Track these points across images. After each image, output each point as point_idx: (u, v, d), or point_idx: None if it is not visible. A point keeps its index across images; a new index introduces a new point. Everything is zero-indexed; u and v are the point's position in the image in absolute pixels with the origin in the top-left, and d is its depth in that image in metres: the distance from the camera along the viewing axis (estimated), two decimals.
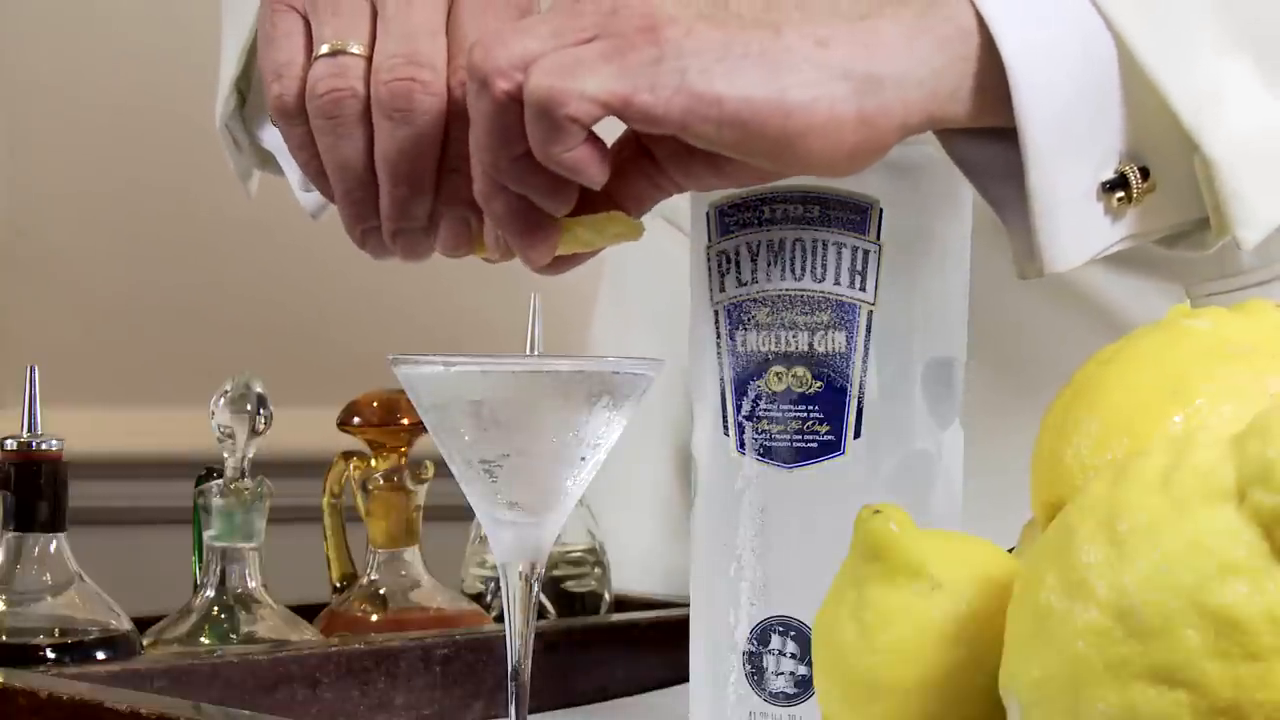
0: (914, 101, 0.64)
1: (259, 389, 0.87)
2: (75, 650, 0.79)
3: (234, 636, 0.85)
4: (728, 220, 0.71)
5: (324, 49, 0.71)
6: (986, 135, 0.67)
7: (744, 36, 0.62)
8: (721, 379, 0.72)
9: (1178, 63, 0.66)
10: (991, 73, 0.64)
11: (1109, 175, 0.67)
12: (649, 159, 0.67)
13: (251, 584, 0.86)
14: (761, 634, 0.70)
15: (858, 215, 0.69)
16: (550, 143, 0.63)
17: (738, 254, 0.71)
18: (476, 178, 0.66)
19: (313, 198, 0.84)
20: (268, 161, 0.87)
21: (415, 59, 0.69)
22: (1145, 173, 0.67)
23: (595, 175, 0.64)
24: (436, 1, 0.71)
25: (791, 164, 0.64)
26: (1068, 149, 0.66)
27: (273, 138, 0.83)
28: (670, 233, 1.03)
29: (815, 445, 0.70)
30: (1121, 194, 0.67)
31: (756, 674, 0.71)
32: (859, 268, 0.69)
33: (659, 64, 0.61)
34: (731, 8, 0.63)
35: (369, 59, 0.70)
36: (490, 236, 0.70)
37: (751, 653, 0.71)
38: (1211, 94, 0.66)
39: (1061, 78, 0.65)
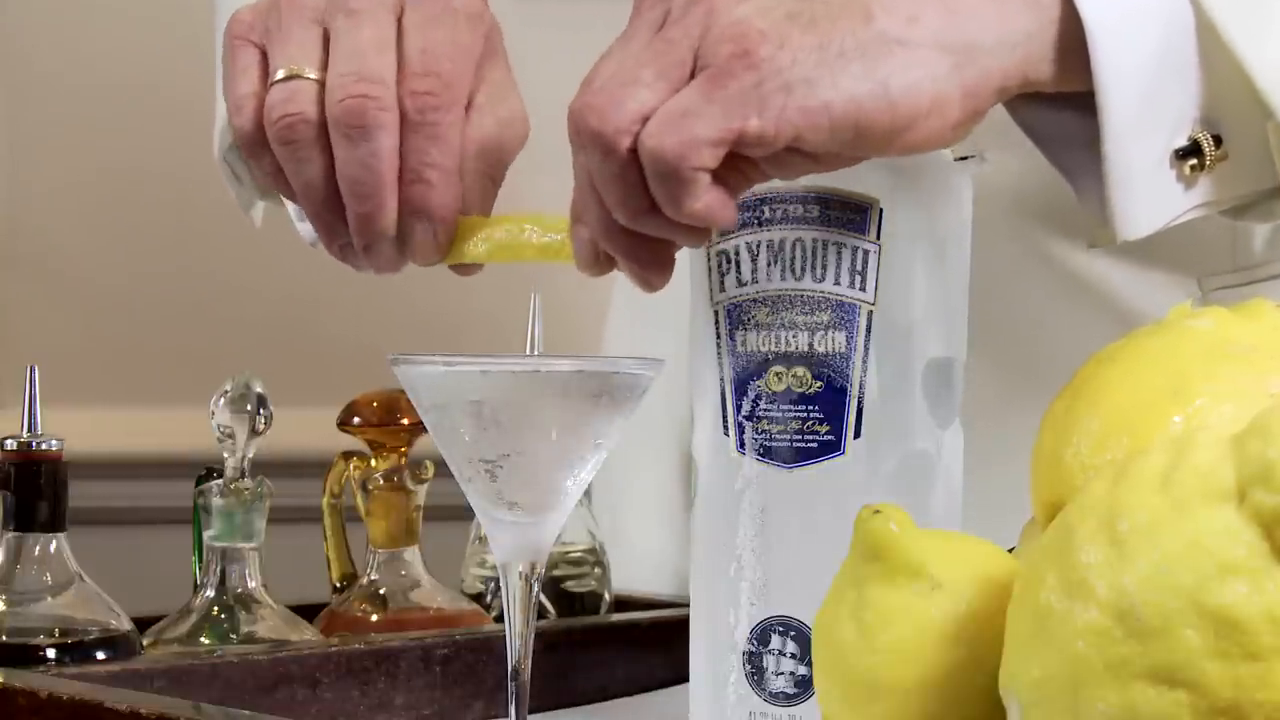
0: (1010, 65, 0.64)
1: (259, 389, 0.87)
2: (75, 650, 0.79)
3: (234, 636, 0.85)
4: None
5: (278, 75, 0.72)
6: (1056, 101, 0.67)
7: (836, 33, 0.62)
8: (721, 379, 0.72)
9: (1256, 30, 0.66)
10: (1073, 37, 0.64)
11: (1182, 142, 0.67)
12: (743, 157, 0.67)
13: (251, 584, 0.86)
14: (761, 634, 0.70)
15: (858, 215, 0.69)
16: (681, 198, 0.62)
17: (738, 254, 0.71)
18: (603, 228, 0.66)
19: (308, 228, 0.84)
20: (268, 192, 0.87)
21: (365, 76, 0.70)
22: (1218, 141, 0.67)
23: (728, 219, 0.64)
24: (384, 17, 0.72)
25: (901, 149, 0.64)
26: (1144, 116, 0.66)
27: None
28: None
29: (815, 445, 0.70)
30: (1194, 161, 0.67)
31: (756, 674, 0.71)
32: (859, 268, 0.69)
33: (761, 88, 0.61)
34: None
35: (322, 82, 0.71)
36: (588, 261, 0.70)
37: (751, 653, 0.71)
38: None
39: (1141, 44, 0.65)
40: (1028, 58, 0.64)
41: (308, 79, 0.71)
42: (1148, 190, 0.67)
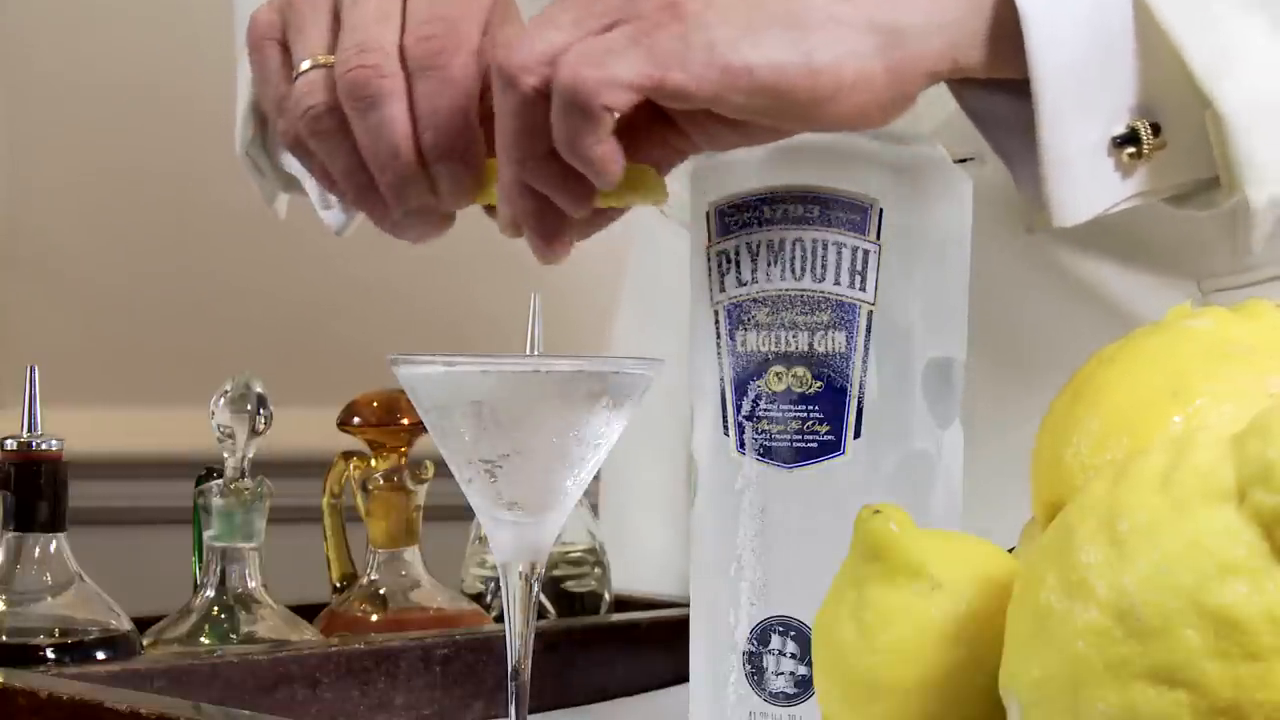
0: (937, 49, 0.64)
1: (259, 389, 0.87)
2: (75, 650, 0.79)
3: (234, 636, 0.85)
4: (728, 220, 0.71)
5: (301, 68, 0.71)
6: (998, 87, 0.67)
7: (767, 1, 0.62)
8: (721, 379, 0.72)
9: (1194, 18, 0.66)
10: (1008, 23, 0.65)
11: (1120, 130, 0.67)
12: (667, 123, 0.67)
13: (251, 584, 0.86)
14: (761, 634, 0.70)
15: (858, 215, 0.69)
16: (582, 134, 0.63)
17: (738, 254, 0.71)
18: (502, 173, 0.66)
19: (333, 215, 0.84)
20: (292, 184, 0.87)
21: (365, 46, 0.69)
22: (1156, 129, 0.67)
23: (615, 174, 0.64)
24: None
25: (823, 123, 0.64)
26: (1080, 103, 0.66)
27: (292, 161, 0.83)
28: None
29: (815, 445, 0.70)
30: (1132, 149, 0.67)
31: (756, 674, 0.71)
32: (859, 268, 0.69)
33: (685, 40, 0.62)
34: None
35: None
36: (506, 221, 0.70)
37: (751, 653, 0.71)
38: (1226, 51, 0.66)
39: (1076, 30, 0.65)
40: (957, 43, 0.65)
41: (321, 66, 0.71)
42: (1084, 177, 0.67)
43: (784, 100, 0.63)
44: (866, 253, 0.69)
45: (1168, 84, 0.67)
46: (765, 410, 0.70)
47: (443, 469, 0.75)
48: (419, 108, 0.70)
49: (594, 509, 1.05)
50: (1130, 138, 0.67)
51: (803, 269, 0.70)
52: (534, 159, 0.65)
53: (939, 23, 0.64)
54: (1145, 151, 0.67)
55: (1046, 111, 0.65)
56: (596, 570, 0.99)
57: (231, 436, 0.86)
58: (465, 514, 0.78)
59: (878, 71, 0.63)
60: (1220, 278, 0.92)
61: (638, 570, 1.06)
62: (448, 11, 0.71)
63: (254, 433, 0.86)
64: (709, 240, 0.72)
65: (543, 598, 0.96)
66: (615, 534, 1.06)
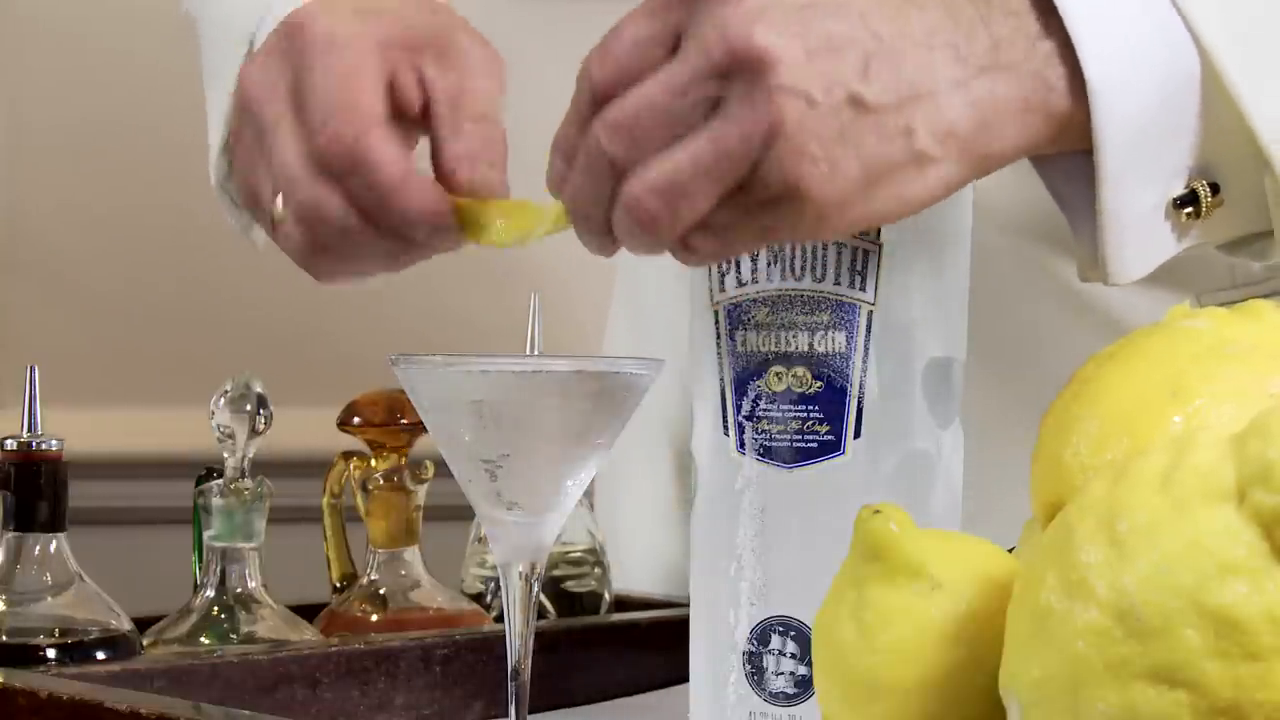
0: (1010, 161, 0.65)
1: (259, 389, 0.87)
2: (75, 650, 0.79)
3: (234, 636, 0.85)
4: None
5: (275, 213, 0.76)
6: None
7: (879, 155, 0.62)
8: (721, 379, 0.72)
9: (1261, 81, 0.66)
10: (1079, 108, 0.65)
11: (1179, 191, 0.67)
12: None
13: (251, 584, 0.86)
14: (761, 634, 0.70)
15: None
16: (640, 249, 0.64)
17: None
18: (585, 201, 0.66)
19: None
20: None
21: (290, 188, 0.74)
22: (1215, 188, 0.67)
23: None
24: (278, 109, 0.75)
25: None
26: (1142, 169, 0.66)
27: None
28: None
29: (815, 445, 0.70)
30: (1190, 209, 0.67)
31: (756, 674, 0.71)
32: (859, 268, 0.69)
33: (800, 215, 0.62)
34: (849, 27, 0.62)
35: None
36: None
37: (751, 653, 0.71)
38: None
39: (1145, 103, 0.65)
40: (1035, 148, 0.65)
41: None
42: (1141, 237, 0.67)
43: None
44: (866, 253, 0.69)
45: (1229, 146, 0.67)
46: (765, 410, 0.70)
47: (443, 469, 0.75)
48: (362, 206, 0.72)
49: (593, 508, 1.05)
50: (1189, 199, 0.67)
51: (803, 269, 0.70)
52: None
53: (1023, 148, 0.65)
54: (1204, 211, 0.67)
55: (1109, 178, 0.65)
56: (596, 570, 0.99)
57: (231, 436, 0.86)
58: (465, 514, 0.78)
59: (956, 189, 0.64)
60: (1217, 292, 0.92)
61: (627, 570, 1.06)
62: (342, 95, 0.73)
63: (254, 433, 0.86)
64: None
65: (543, 598, 0.96)
66: (606, 534, 1.06)
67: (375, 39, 0.74)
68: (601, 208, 0.64)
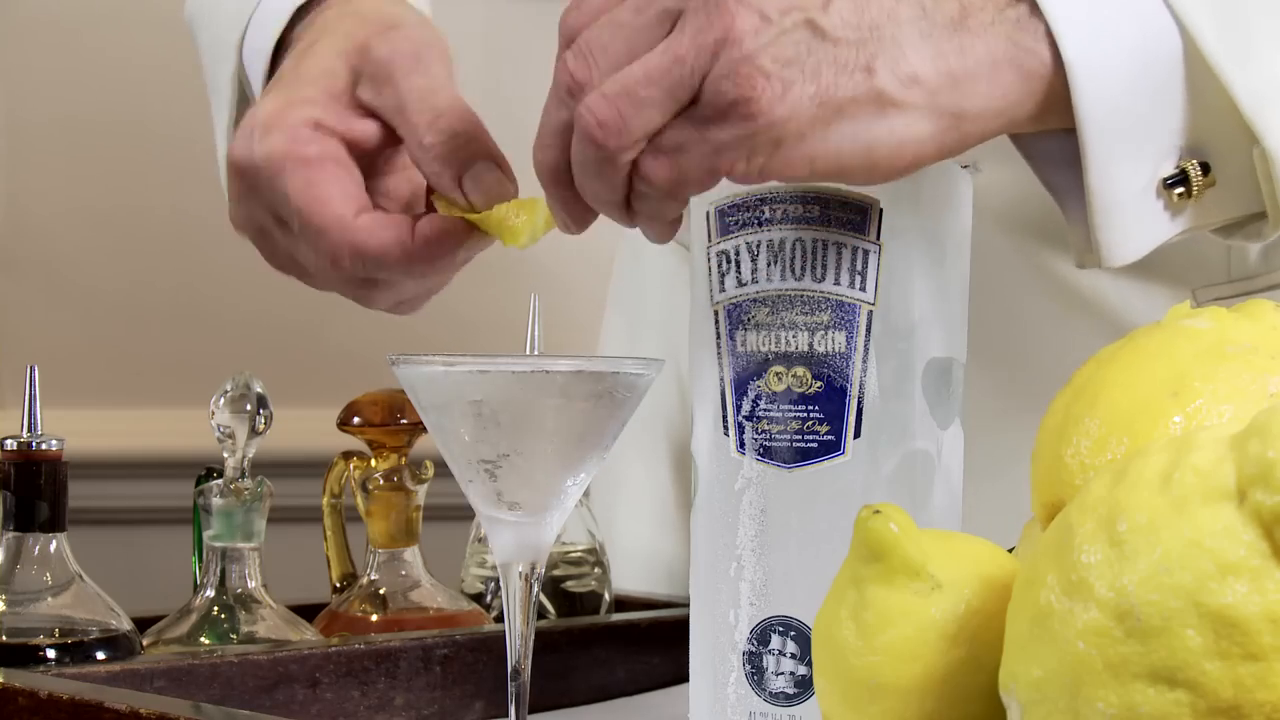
0: (990, 129, 0.65)
1: (259, 389, 0.87)
2: (75, 650, 0.79)
3: (234, 636, 0.85)
4: (728, 220, 0.71)
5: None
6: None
7: (837, 87, 0.62)
8: (721, 379, 0.72)
9: (1242, 56, 0.66)
10: (1059, 86, 0.65)
11: (1169, 171, 0.67)
12: None
13: (251, 584, 0.86)
14: (761, 634, 0.70)
15: (858, 215, 0.69)
16: (658, 218, 0.66)
17: (738, 254, 0.71)
18: (552, 177, 0.67)
19: None
20: None
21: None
22: (1205, 168, 0.67)
23: (667, 239, 0.68)
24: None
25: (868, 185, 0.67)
26: (1128, 146, 0.66)
27: None
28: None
29: (815, 445, 0.70)
30: (1181, 190, 0.67)
31: (756, 674, 0.71)
32: (859, 268, 0.69)
33: (753, 138, 0.62)
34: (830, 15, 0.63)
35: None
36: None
37: (751, 653, 0.71)
38: (1272, 83, 0.66)
39: (1123, 74, 0.65)
40: (1011, 121, 0.65)
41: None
42: (1134, 219, 0.67)
43: (836, 180, 0.65)
44: (866, 253, 0.69)
45: (1216, 123, 0.67)
46: (765, 410, 0.70)
47: (443, 469, 0.75)
48: (315, 264, 0.77)
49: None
50: (1180, 179, 0.67)
51: (803, 269, 0.70)
52: (610, 206, 0.67)
53: (997, 107, 0.64)
54: (1195, 191, 0.67)
55: (1095, 157, 0.65)
56: (596, 570, 0.99)
57: (231, 436, 0.86)
58: (465, 514, 0.78)
59: (931, 152, 0.64)
60: (1216, 287, 0.92)
61: (624, 569, 1.06)
62: (307, 220, 0.77)
63: (254, 433, 0.86)
64: (709, 240, 0.72)
65: (543, 598, 0.96)
66: (605, 534, 1.06)
67: (307, 121, 0.77)
68: (564, 137, 0.65)
